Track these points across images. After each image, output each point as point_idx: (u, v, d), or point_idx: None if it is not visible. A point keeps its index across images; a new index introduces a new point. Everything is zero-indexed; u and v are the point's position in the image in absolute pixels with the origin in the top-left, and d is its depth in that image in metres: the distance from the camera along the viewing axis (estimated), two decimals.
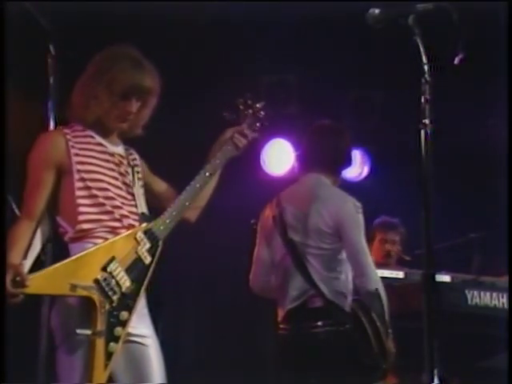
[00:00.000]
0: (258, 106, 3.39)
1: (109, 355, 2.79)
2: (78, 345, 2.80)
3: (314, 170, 3.95)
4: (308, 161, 4.00)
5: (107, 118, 3.01)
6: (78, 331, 2.76)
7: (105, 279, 2.83)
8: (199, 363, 6.14)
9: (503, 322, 4.13)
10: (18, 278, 2.71)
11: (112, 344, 2.79)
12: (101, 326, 2.78)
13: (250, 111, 3.38)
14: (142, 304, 2.99)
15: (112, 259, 2.86)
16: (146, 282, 2.95)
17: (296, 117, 6.04)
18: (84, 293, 2.78)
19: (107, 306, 2.81)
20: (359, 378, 3.69)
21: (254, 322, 6.01)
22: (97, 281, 2.81)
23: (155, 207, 3.15)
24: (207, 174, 3.15)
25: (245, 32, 5.59)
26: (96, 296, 2.80)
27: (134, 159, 3.15)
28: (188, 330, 6.22)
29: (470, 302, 4.43)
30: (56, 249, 2.98)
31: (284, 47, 5.85)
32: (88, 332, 2.76)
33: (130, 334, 2.90)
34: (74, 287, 2.76)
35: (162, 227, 3.01)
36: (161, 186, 3.24)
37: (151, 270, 2.96)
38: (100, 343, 2.77)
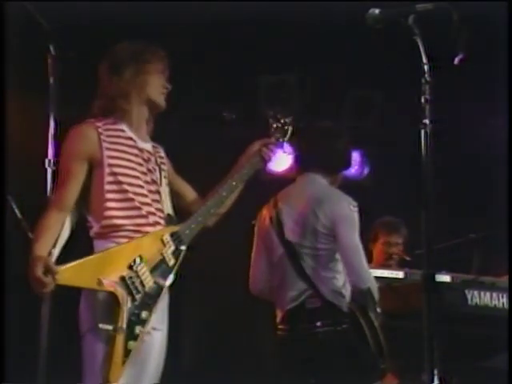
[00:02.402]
0: (286, 120, 3.45)
1: (127, 352, 2.83)
2: (101, 337, 2.83)
3: (311, 170, 3.94)
4: (305, 162, 3.99)
5: (157, 94, 3.10)
6: (101, 326, 2.80)
7: (130, 277, 2.86)
8: (199, 363, 6.14)
9: (503, 322, 4.13)
10: (47, 270, 2.74)
11: (131, 342, 2.83)
12: (122, 323, 2.81)
13: (279, 125, 3.43)
14: (164, 303, 3.01)
15: (138, 258, 2.89)
16: (167, 284, 2.98)
17: (296, 117, 6.03)
18: (110, 288, 2.82)
19: (130, 304, 2.84)
20: (358, 378, 3.69)
21: (254, 322, 6.01)
22: (122, 278, 2.85)
23: (179, 208, 3.19)
24: (234, 183, 3.23)
25: (245, 32, 5.59)
26: (120, 293, 2.83)
27: (161, 157, 3.18)
28: (188, 330, 6.21)
29: (470, 302, 4.42)
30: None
31: (284, 47, 5.85)
32: (110, 328, 2.80)
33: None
34: (100, 282, 2.81)
35: (187, 231, 3.06)
36: (184, 187, 3.29)
37: (173, 272, 2.99)
38: (120, 340, 2.81)
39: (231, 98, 5.82)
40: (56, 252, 2.88)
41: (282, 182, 4.13)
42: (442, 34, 2.74)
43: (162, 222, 3.04)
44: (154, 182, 3.06)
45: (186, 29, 5.43)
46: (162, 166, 3.15)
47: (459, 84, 5.32)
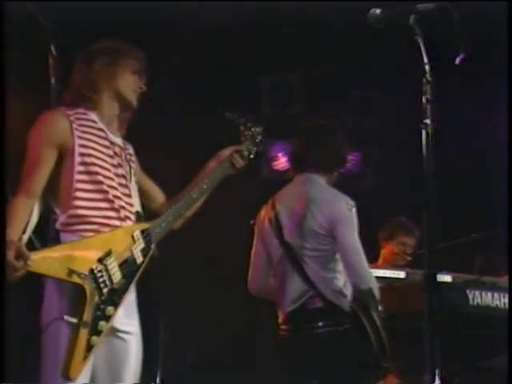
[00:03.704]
0: (257, 129, 3.41)
1: (89, 348, 2.78)
2: (64, 330, 2.78)
3: (307, 169, 3.93)
4: (301, 160, 3.98)
5: (128, 90, 3.05)
6: (66, 318, 2.76)
7: (99, 270, 2.82)
8: (201, 364, 6.14)
9: (505, 323, 4.12)
10: (19, 255, 2.70)
11: (94, 337, 2.79)
12: (87, 316, 2.77)
13: (250, 133, 3.40)
14: (131, 299, 2.98)
15: (109, 252, 2.86)
16: (134, 281, 2.95)
17: (297, 117, 6.04)
18: (78, 280, 2.78)
19: (96, 299, 2.80)
20: (360, 378, 3.69)
21: (256, 323, 6.01)
22: (92, 271, 2.81)
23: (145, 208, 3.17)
24: (205, 186, 3.19)
25: (246, 32, 5.59)
26: (88, 286, 2.79)
27: (130, 154, 3.15)
28: (190, 331, 6.22)
29: (471, 302, 4.41)
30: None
31: (285, 47, 5.85)
32: (74, 320, 2.76)
33: (116, 330, 2.90)
34: (70, 273, 2.77)
35: (157, 230, 3.03)
36: (151, 187, 3.25)
37: (141, 270, 2.96)
38: (83, 334, 2.76)
39: (233, 97, 5.83)
40: (25, 238, 2.84)
41: (281, 181, 4.12)
42: (443, 34, 2.74)
43: (132, 217, 3.01)
44: (123, 176, 3.03)
45: (186, 29, 5.44)
46: (131, 164, 3.11)
47: (459, 84, 5.32)
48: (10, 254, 2.70)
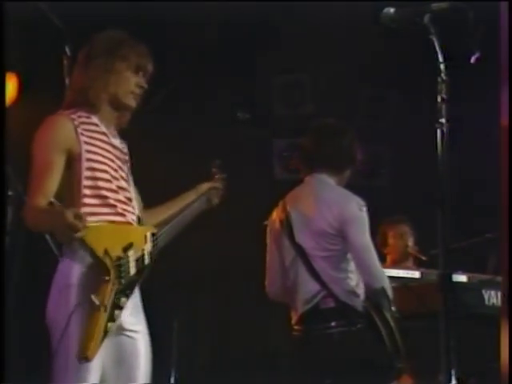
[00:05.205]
0: (221, 176, 3.42)
1: (105, 333, 2.78)
2: (83, 314, 2.77)
3: (318, 170, 3.92)
4: (310, 160, 3.97)
5: (124, 94, 3.01)
6: (93, 297, 2.74)
7: (123, 259, 2.84)
8: (213, 363, 6.15)
9: None
10: (76, 216, 2.69)
11: (110, 324, 2.79)
12: (107, 301, 2.77)
13: (219, 177, 3.42)
14: (137, 300, 2.99)
15: (131, 244, 2.88)
16: (140, 280, 2.95)
17: (310, 117, 6.03)
18: (109, 263, 2.79)
19: (116, 286, 2.81)
20: (373, 378, 3.68)
21: (269, 323, 6.01)
22: (119, 258, 2.83)
23: None
24: (190, 212, 3.22)
25: (258, 32, 5.59)
26: (113, 272, 2.80)
27: (126, 154, 3.12)
28: (203, 331, 6.23)
29: (487, 302, 4.40)
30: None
31: (298, 47, 5.85)
32: (98, 302, 2.75)
33: (123, 329, 2.90)
34: (106, 254, 2.79)
35: (161, 236, 3.05)
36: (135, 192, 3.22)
37: (145, 271, 2.96)
38: (103, 318, 2.76)
39: (245, 97, 5.84)
40: None
41: (294, 181, 4.12)
42: (458, 33, 2.73)
43: (136, 220, 3.02)
44: (124, 179, 3.02)
45: (199, 28, 5.45)
46: (128, 164, 3.09)
47: (473, 83, 5.31)
48: (70, 214, 2.68)
